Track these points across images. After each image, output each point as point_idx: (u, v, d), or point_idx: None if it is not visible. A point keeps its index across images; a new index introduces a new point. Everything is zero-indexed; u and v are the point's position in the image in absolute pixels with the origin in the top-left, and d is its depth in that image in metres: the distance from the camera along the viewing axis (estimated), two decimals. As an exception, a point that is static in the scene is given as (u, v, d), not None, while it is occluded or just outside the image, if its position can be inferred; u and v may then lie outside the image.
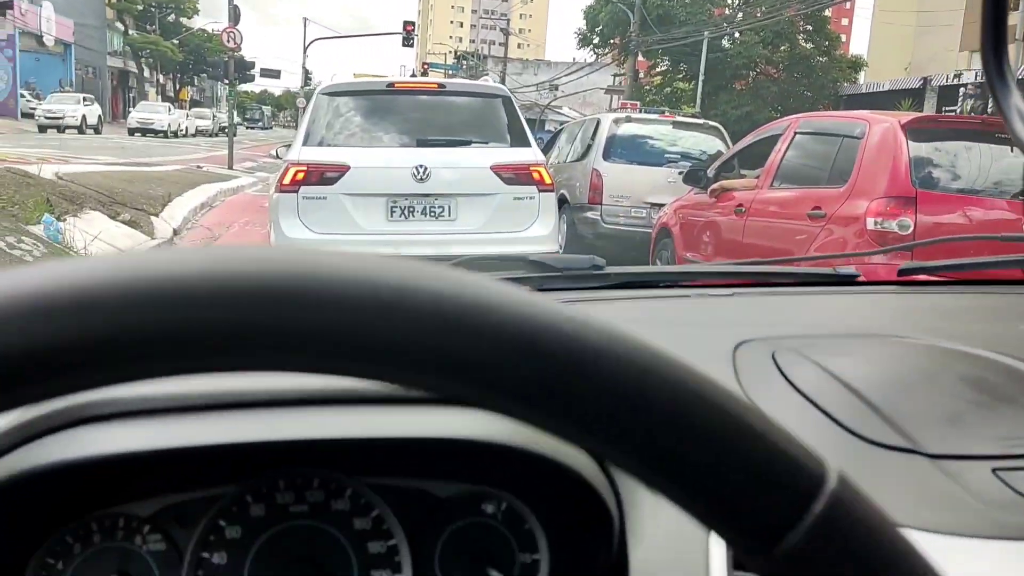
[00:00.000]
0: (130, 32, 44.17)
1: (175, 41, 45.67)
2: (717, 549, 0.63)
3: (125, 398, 0.62)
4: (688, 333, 0.98)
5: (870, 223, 4.21)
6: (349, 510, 0.68)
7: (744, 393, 0.79)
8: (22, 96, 31.87)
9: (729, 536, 0.29)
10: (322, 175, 4.99)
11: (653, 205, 7.43)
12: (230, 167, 16.44)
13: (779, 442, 0.29)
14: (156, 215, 8.99)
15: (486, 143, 5.41)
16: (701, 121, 9.45)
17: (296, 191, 5.02)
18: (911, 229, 4.14)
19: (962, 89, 18.64)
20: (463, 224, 5.15)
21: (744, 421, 0.28)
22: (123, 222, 8.20)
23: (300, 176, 5.01)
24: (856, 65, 27.48)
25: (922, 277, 1.28)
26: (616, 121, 8.25)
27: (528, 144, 5.42)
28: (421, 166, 5.04)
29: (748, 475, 0.28)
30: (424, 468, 0.69)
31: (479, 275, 0.28)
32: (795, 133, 5.28)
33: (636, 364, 0.28)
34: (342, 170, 4.99)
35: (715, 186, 5.55)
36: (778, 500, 0.28)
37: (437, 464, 0.69)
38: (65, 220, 7.39)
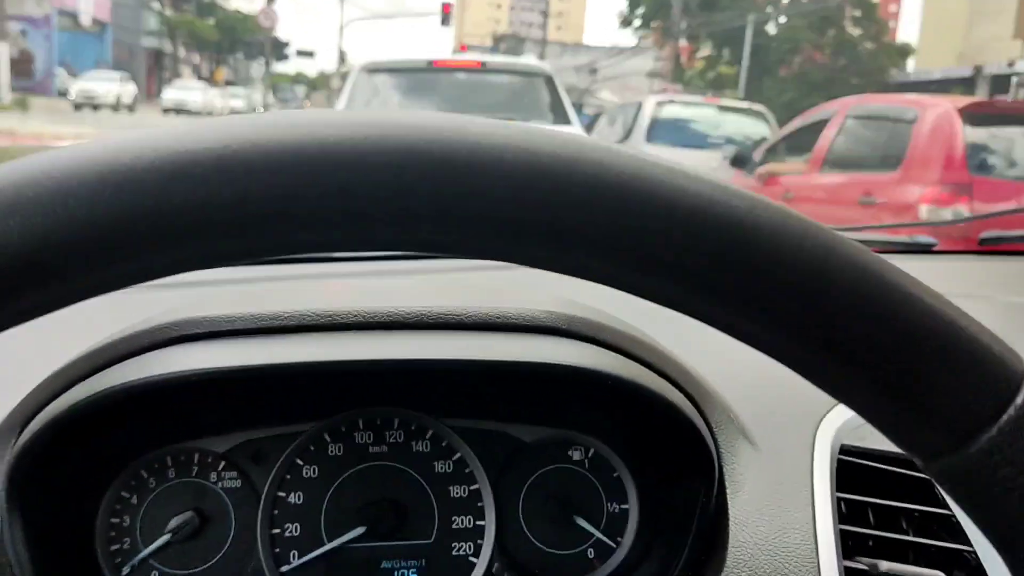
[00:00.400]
0: (166, 11, 44.61)
1: (211, 21, 46.00)
2: (823, 499, 0.61)
3: (210, 318, 0.60)
4: None
5: (923, 211, 4.11)
6: (430, 452, 0.66)
7: None
8: (57, 75, 32.22)
9: (917, 437, 0.27)
10: None
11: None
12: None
13: (978, 332, 0.26)
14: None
15: (527, 121, 5.39)
16: (746, 105, 9.31)
17: None
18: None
19: (1015, 78, 18.17)
20: None
21: (938, 308, 0.26)
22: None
23: None
24: (905, 52, 26.89)
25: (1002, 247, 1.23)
26: (659, 103, 8.15)
27: (570, 122, 5.38)
28: None
29: (948, 364, 0.25)
30: (509, 410, 0.67)
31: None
32: (845, 117, 5.17)
33: (817, 242, 0.25)
34: None
35: (762, 170, 5.46)
36: (978, 393, 0.26)
37: (523, 405, 0.67)
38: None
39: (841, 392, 0.27)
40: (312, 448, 0.65)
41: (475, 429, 0.67)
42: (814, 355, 0.26)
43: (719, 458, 0.61)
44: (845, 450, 0.66)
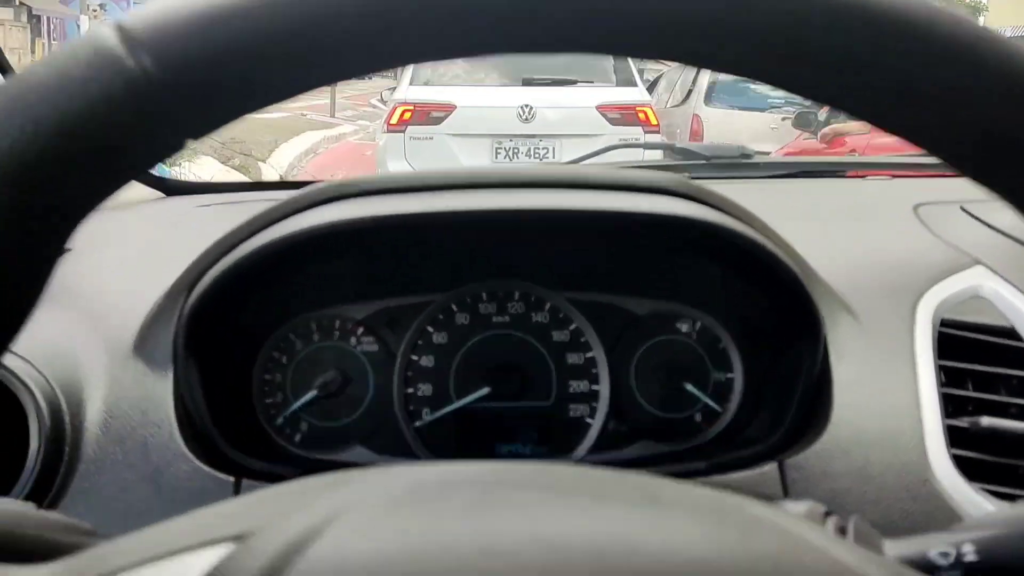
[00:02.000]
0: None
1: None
2: (925, 364, 0.64)
3: (360, 180, 0.66)
4: (858, 204, 0.97)
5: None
6: (548, 323, 0.71)
7: (935, 236, 0.79)
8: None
9: None
10: (428, 114, 5.04)
11: (756, 153, 7.23)
12: (332, 115, 16.76)
13: None
14: (264, 160, 9.27)
15: (592, 83, 5.36)
16: (809, 67, 9.09)
17: (403, 131, 5.09)
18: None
19: (1094, 37, 17.33)
20: None
21: None
22: (233, 167, 8.50)
23: (407, 115, 5.07)
24: (975, 9, 25.90)
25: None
26: (720, 67, 8.00)
27: (635, 84, 5.35)
28: (526, 106, 5.03)
29: None
30: (622, 283, 0.72)
31: None
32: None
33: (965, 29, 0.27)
34: (448, 109, 5.03)
35: (827, 130, 5.34)
36: None
37: (636, 277, 0.72)
38: (181, 165, 7.71)
39: (972, 163, 0.28)
40: (441, 316, 0.71)
41: (590, 302, 0.72)
42: (958, 128, 0.27)
43: (823, 328, 0.65)
44: (946, 323, 0.69)
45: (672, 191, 0.66)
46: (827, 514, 0.38)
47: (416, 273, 0.71)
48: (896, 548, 0.36)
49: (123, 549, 0.24)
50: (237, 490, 0.59)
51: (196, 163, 8.22)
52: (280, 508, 0.23)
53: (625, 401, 0.71)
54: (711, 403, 0.71)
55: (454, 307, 0.71)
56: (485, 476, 0.25)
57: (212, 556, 0.21)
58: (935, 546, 0.37)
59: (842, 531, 0.37)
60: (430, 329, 0.71)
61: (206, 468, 0.58)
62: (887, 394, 0.63)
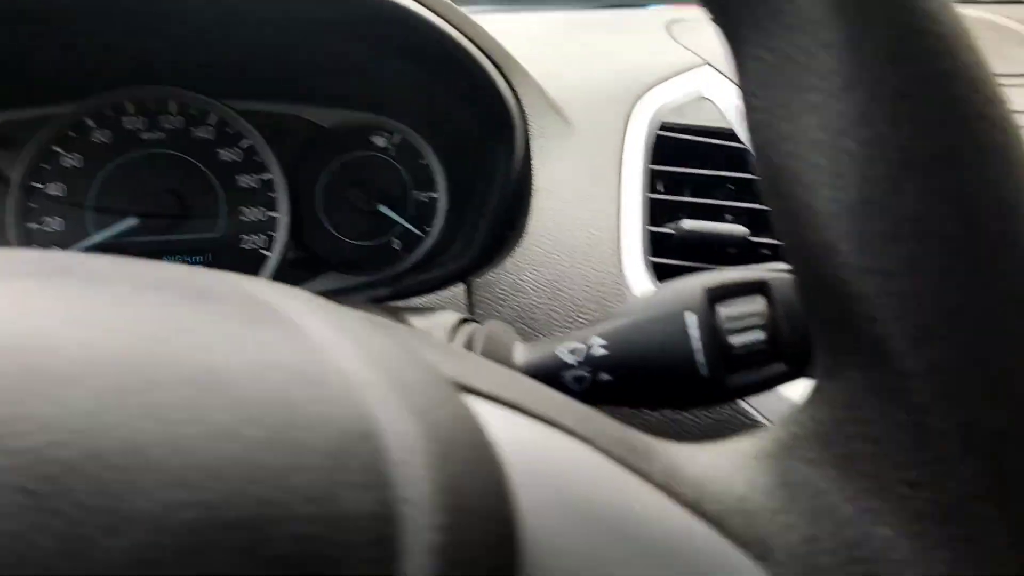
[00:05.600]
0: None
1: None
2: (633, 169, 0.58)
3: None
4: (615, 25, 0.90)
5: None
6: (214, 139, 0.60)
7: (675, 42, 0.73)
8: None
9: None
10: None
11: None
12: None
13: None
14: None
15: None
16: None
17: None
18: None
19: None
20: None
21: None
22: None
23: None
24: None
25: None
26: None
27: None
28: None
29: None
30: (303, 89, 0.60)
31: None
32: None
33: None
34: None
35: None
36: None
37: (320, 80, 0.61)
38: None
39: None
40: (72, 133, 0.57)
41: (265, 112, 0.60)
42: None
43: (526, 128, 0.58)
44: (666, 127, 0.63)
45: None
46: (463, 322, 0.34)
47: (34, 75, 0.57)
48: (525, 353, 0.32)
49: None
50: None
51: None
52: None
53: (310, 229, 0.62)
54: (411, 227, 0.63)
55: (90, 122, 0.58)
56: None
57: None
58: (565, 344, 0.32)
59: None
60: (58, 149, 0.57)
61: None
62: (589, 200, 0.57)
